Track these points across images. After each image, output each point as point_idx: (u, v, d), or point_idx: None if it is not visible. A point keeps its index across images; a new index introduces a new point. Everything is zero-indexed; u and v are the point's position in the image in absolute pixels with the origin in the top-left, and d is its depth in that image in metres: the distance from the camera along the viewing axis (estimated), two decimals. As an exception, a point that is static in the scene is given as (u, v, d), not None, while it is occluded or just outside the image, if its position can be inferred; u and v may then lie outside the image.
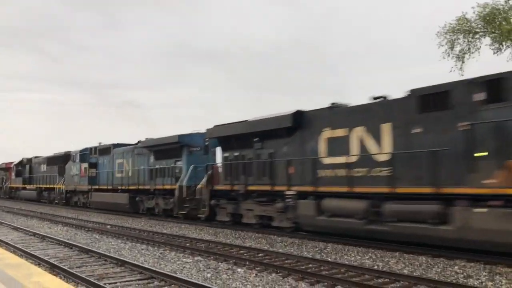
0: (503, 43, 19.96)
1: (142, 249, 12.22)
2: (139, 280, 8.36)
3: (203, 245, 12.64)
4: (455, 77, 19.89)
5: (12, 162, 42.86)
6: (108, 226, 17.93)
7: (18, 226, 17.98)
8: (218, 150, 17.73)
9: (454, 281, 7.98)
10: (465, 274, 8.56)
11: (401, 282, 8.00)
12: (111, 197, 24.56)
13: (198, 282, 7.74)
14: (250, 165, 15.47)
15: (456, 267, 9.08)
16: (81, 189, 28.65)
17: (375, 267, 9.35)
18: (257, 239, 13.68)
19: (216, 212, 16.95)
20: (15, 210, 27.85)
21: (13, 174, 42.05)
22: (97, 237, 15.01)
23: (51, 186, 33.48)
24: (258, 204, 15.11)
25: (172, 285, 7.82)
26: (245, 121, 15.92)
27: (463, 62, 20.44)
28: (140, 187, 22.29)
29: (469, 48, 20.61)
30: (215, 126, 17.24)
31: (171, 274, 8.47)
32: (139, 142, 23.25)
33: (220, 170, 17.14)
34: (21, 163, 40.27)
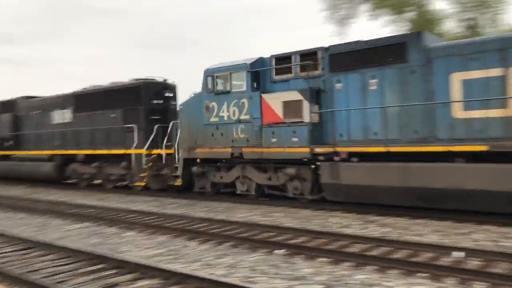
0: (378, 10, 21.30)
1: (22, 218, 11.39)
2: (17, 251, 7.80)
3: (89, 211, 12.13)
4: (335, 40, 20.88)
5: None
6: (-19, 196, 16.42)
7: None
8: None
9: (331, 231, 8.68)
10: (342, 224, 9.35)
11: (288, 234, 8.49)
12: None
13: (82, 248, 7.45)
14: None
15: (335, 219, 9.88)
16: (261, 155, 11.75)
17: (262, 222, 9.80)
18: (149, 202, 13.47)
19: None
20: None
21: None
22: (-33, 208, 13.74)
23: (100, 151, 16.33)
24: None
25: (55, 254, 7.43)
26: None
27: (344, 26, 21.53)
28: None
29: (350, 13, 21.75)
30: None
31: (51, 242, 8.03)
32: None
33: None
34: None
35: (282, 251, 7.24)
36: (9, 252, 7.73)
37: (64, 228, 9.98)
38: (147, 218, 10.75)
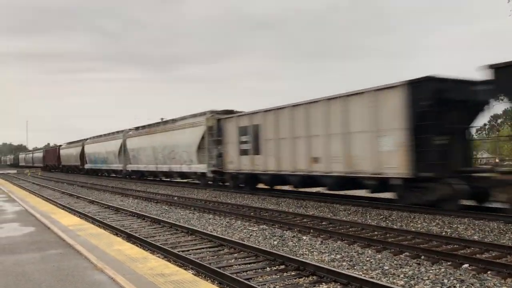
0: None
1: (210, 219, 12.72)
2: (209, 247, 8.77)
3: (267, 214, 12.95)
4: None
5: None
6: (175, 198, 18.74)
7: (94, 199, 18.88)
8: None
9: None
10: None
11: (472, 248, 7.84)
12: None
13: (266, 249, 8.01)
14: None
15: (531, 233, 8.27)
16: None
17: (443, 233, 9.20)
18: (319, 208, 13.79)
19: None
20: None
21: None
22: (166, 208, 15.77)
23: None
24: None
25: (241, 252, 8.14)
26: None
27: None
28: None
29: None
30: None
31: (239, 241, 8.81)
32: None
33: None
34: None
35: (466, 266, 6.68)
36: (203, 248, 8.75)
37: (246, 229, 10.84)
38: (321, 223, 11.02)
